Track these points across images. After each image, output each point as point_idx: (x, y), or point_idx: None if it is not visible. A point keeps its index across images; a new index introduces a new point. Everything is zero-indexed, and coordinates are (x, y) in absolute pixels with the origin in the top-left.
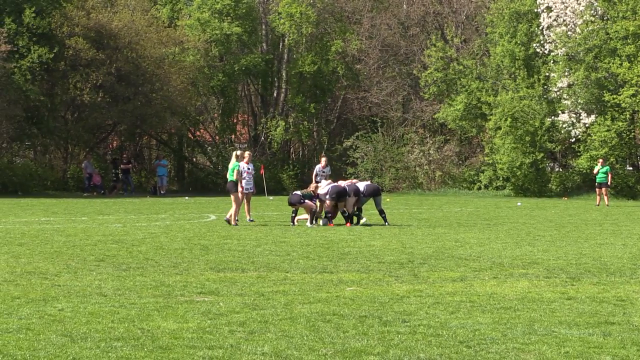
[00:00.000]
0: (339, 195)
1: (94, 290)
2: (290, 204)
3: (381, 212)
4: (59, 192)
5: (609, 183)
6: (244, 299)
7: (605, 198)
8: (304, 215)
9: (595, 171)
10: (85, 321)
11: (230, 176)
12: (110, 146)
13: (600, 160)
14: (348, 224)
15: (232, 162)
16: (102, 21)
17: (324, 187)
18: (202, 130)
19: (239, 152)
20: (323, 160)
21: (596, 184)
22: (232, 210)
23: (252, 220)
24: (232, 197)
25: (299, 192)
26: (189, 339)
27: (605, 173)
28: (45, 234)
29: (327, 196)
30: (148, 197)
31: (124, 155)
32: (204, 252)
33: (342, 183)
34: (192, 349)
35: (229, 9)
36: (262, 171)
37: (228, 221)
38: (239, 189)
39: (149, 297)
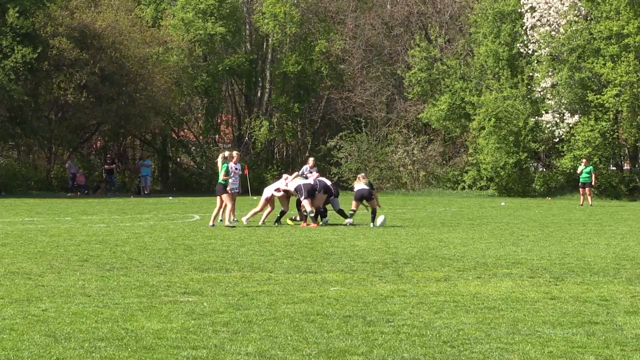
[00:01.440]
0: (311, 193)
1: (78, 291)
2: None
3: (340, 212)
4: (42, 192)
5: (592, 183)
6: (227, 299)
7: (589, 198)
8: (254, 210)
9: (578, 171)
10: (69, 321)
11: (220, 178)
12: (94, 146)
13: (584, 160)
14: (313, 224)
15: (221, 163)
16: (86, 21)
17: (294, 182)
18: (186, 130)
19: (227, 153)
20: (311, 160)
21: (580, 183)
22: (215, 212)
23: (235, 220)
24: (222, 197)
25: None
26: (173, 339)
27: (589, 173)
28: (29, 234)
29: (302, 195)
30: (132, 197)
31: (108, 156)
32: (187, 252)
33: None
34: (176, 349)
35: (212, 9)
36: (246, 171)
37: (213, 225)
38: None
39: (132, 297)
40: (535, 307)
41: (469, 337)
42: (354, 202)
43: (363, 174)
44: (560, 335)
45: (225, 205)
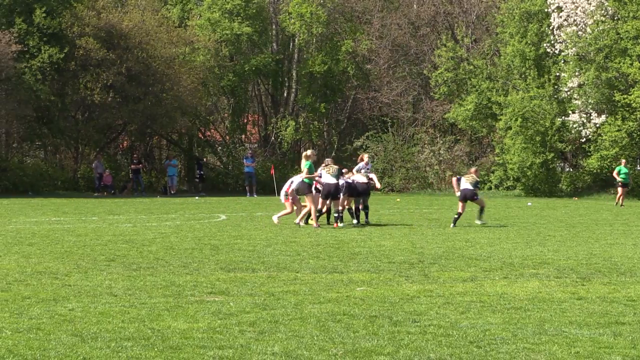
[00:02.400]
0: (329, 194)
1: (105, 290)
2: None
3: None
4: (69, 192)
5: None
6: (254, 298)
7: (621, 198)
8: (283, 212)
9: (615, 173)
10: (96, 321)
11: (306, 178)
12: (121, 146)
13: (623, 160)
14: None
15: (304, 162)
16: (113, 21)
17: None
18: (212, 130)
19: (309, 152)
20: (366, 156)
21: (620, 183)
22: (305, 212)
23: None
24: (306, 199)
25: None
26: (199, 338)
27: (627, 173)
28: (55, 234)
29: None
30: (158, 197)
31: (134, 155)
32: (214, 252)
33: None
34: (203, 348)
35: (239, 9)
36: (273, 171)
37: (298, 224)
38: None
39: (159, 297)
40: (562, 307)
41: (495, 337)
42: (460, 204)
43: (330, 159)
44: (587, 336)
45: (317, 203)
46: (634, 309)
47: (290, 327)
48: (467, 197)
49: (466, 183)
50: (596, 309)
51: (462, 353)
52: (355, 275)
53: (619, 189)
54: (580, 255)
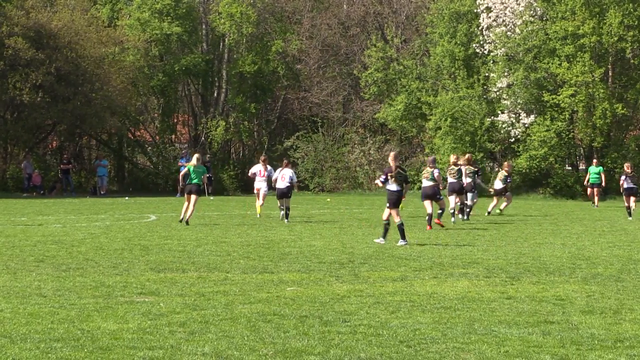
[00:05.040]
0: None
1: (34, 291)
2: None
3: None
4: None
5: (602, 184)
6: (184, 299)
7: (596, 199)
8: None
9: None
10: (25, 322)
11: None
12: (50, 146)
13: (594, 160)
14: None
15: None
16: (42, 21)
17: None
18: (142, 130)
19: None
20: (450, 158)
21: (589, 184)
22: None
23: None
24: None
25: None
26: (129, 339)
27: (598, 174)
28: None
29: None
30: (88, 198)
31: (64, 155)
32: (144, 252)
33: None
34: (133, 349)
35: (169, 9)
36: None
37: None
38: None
39: (88, 297)
40: (491, 306)
41: (425, 336)
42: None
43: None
44: (516, 335)
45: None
46: (562, 308)
47: (220, 327)
48: (456, 190)
49: (427, 181)
50: (525, 308)
51: (392, 352)
52: (285, 275)
53: (589, 190)
54: (510, 254)
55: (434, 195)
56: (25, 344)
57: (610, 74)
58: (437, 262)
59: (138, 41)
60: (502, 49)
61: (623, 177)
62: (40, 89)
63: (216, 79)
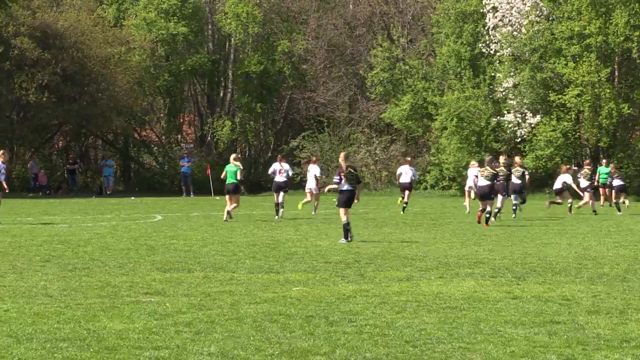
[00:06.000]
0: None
1: (40, 291)
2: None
3: None
4: (4, 192)
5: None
6: (190, 299)
7: (602, 198)
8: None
9: (597, 174)
10: (31, 322)
11: None
12: (56, 146)
13: (604, 160)
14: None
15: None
16: (48, 21)
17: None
18: (148, 131)
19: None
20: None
21: (600, 184)
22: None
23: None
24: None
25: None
26: (135, 339)
27: (607, 173)
28: None
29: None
30: (94, 197)
31: (70, 156)
32: (150, 252)
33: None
34: (138, 349)
35: (175, 9)
36: (209, 171)
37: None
38: None
39: (94, 297)
40: (497, 306)
41: (431, 336)
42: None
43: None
44: (522, 335)
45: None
46: (568, 308)
47: (226, 327)
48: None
49: (484, 180)
50: (531, 308)
51: (398, 352)
52: (291, 275)
53: (600, 190)
54: (516, 254)
55: (489, 194)
56: (31, 343)
57: (616, 73)
58: (443, 262)
59: (144, 41)
60: (508, 49)
61: (610, 179)
62: (46, 89)
63: (222, 79)
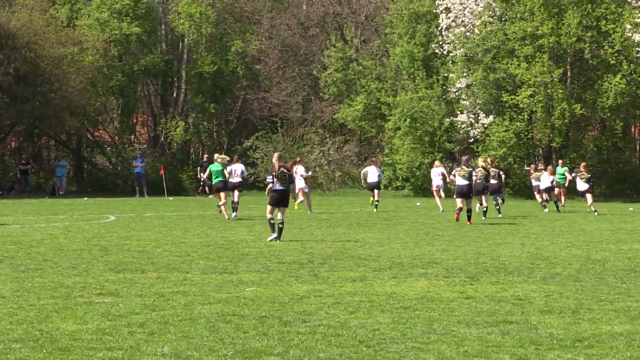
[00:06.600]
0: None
1: None
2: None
3: None
4: None
5: (566, 184)
6: (143, 299)
7: (563, 198)
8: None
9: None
10: None
11: None
12: (9, 147)
13: (560, 161)
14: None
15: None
16: (0, 21)
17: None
18: (101, 131)
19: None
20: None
21: (557, 184)
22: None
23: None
24: None
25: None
26: (88, 340)
27: (563, 174)
28: None
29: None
30: (47, 198)
31: (23, 156)
32: (103, 253)
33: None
34: (92, 350)
35: (128, 9)
36: (162, 172)
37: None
38: None
39: (47, 298)
40: (451, 306)
41: (384, 336)
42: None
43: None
44: (475, 335)
45: None
46: (521, 308)
47: (180, 328)
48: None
49: (462, 179)
50: (484, 308)
51: (352, 353)
52: (245, 275)
53: (556, 190)
54: (469, 254)
55: (468, 193)
56: None
57: (568, 74)
58: (397, 262)
59: (97, 41)
60: (461, 50)
61: (574, 174)
62: None
63: (175, 79)
